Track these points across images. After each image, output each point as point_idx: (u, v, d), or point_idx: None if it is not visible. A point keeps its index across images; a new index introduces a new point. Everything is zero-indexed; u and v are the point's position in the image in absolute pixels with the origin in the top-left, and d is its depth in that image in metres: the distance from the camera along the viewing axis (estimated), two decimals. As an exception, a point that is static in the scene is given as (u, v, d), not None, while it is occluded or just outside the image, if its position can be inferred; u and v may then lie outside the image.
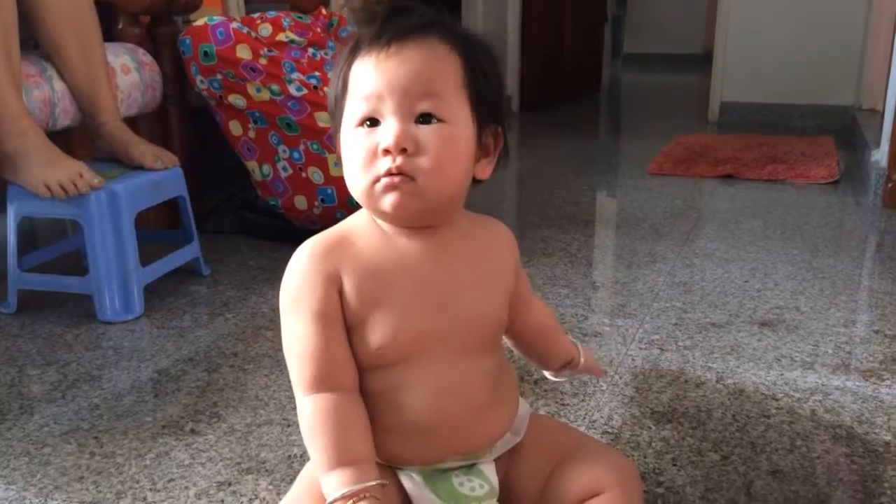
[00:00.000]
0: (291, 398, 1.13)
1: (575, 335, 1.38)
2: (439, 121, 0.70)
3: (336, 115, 0.75)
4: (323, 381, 0.72)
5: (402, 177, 0.69)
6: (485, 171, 0.77)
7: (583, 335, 1.39)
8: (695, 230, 2.02)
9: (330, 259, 0.73)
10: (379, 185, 0.70)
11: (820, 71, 3.54)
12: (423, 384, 0.73)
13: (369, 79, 0.70)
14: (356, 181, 0.72)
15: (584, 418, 1.11)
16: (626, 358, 1.30)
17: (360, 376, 0.74)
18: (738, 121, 3.67)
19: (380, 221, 0.75)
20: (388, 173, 0.69)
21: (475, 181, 0.77)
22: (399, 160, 0.69)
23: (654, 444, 1.04)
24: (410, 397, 0.73)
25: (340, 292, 0.73)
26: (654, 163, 2.82)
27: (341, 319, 0.73)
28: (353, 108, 0.71)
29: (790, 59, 3.58)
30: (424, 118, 0.70)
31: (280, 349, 1.32)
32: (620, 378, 1.23)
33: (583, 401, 1.16)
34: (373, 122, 0.71)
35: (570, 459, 0.77)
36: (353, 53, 0.73)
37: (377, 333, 0.72)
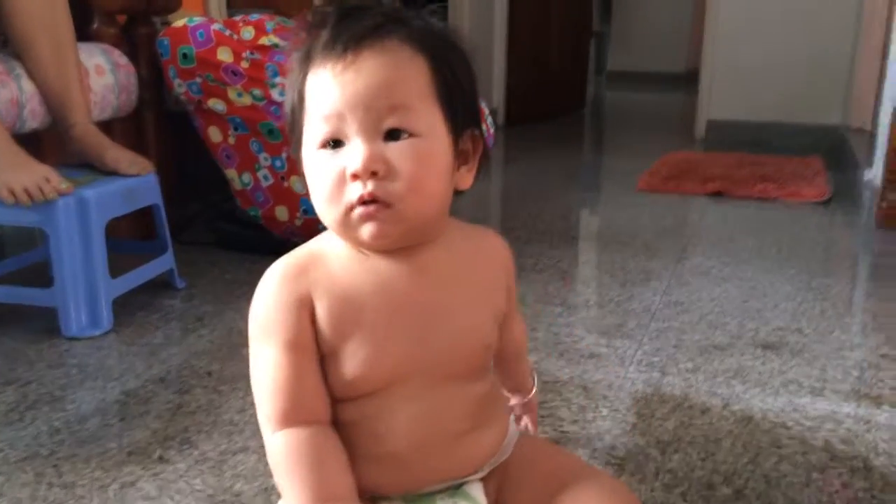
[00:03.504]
0: (270, 422, 1.05)
1: (570, 356, 1.31)
2: (410, 135, 0.63)
3: (294, 131, 0.68)
4: (294, 415, 0.65)
5: (378, 204, 0.62)
6: (466, 180, 0.69)
7: (579, 356, 1.32)
8: (688, 248, 1.96)
9: (301, 281, 0.66)
10: (354, 215, 0.63)
11: (807, 90, 3.52)
12: (402, 413, 0.67)
13: (327, 95, 0.63)
14: (326, 211, 0.65)
15: (586, 447, 1.04)
16: (625, 381, 1.23)
17: (334, 406, 0.67)
18: (724, 139, 3.63)
19: None
20: (361, 201, 0.62)
21: (457, 192, 0.69)
22: (370, 185, 0.62)
23: (661, 476, 0.97)
24: (388, 427, 0.67)
25: (313, 318, 0.65)
26: (643, 179, 2.77)
27: (314, 347, 0.66)
28: (314, 129, 0.64)
29: (777, 78, 3.56)
30: (393, 134, 0.62)
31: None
32: (621, 403, 1.16)
33: (583, 428, 1.09)
34: (336, 142, 0.63)
35: (569, 488, 0.70)
36: (307, 62, 0.65)
37: (350, 365, 0.65)
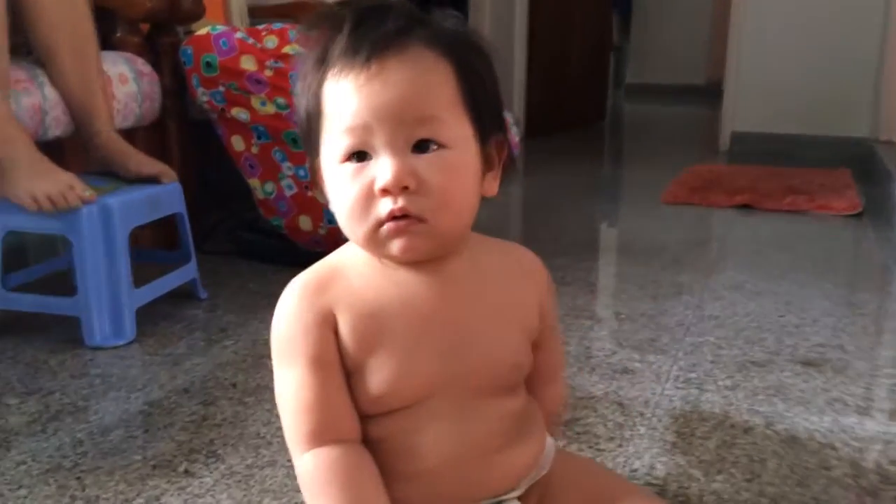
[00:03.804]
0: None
1: (603, 371, 1.28)
2: (439, 146, 0.60)
3: (310, 140, 0.64)
4: (323, 434, 0.62)
5: (409, 219, 0.59)
6: (492, 186, 0.66)
7: (612, 371, 1.28)
8: (719, 261, 1.92)
9: (322, 297, 0.63)
10: (383, 231, 0.60)
11: (834, 102, 3.47)
12: (431, 430, 0.64)
13: (351, 107, 0.59)
14: (353, 227, 0.62)
15: (624, 466, 1.00)
16: (662, 398, 1.19)
17: (362, 424, 0.64)
18: (749, 151, 3.58)
19: None
20: (392, 216, 0.59)
21: (482, 199, 0.66)
22: (401, 201, 0.59)
23: (705, 499, 0.92)
24: (417, 444, 0.64)
25: (336, 334, 0.63)
26: (668, 191, 2.73)
27: (339, 364, 0.63)
28: (336, 141, 0.61)
29: (803, 90, 3.51)
30: (421, 146, 0.59)
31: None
32: (659, 421, 1.12)
33: (620, 446, 1.05)
34: (361, 155, 0.60)
35: None
36: (323, 67, 0.61)
37: (376, 381, 0.62)
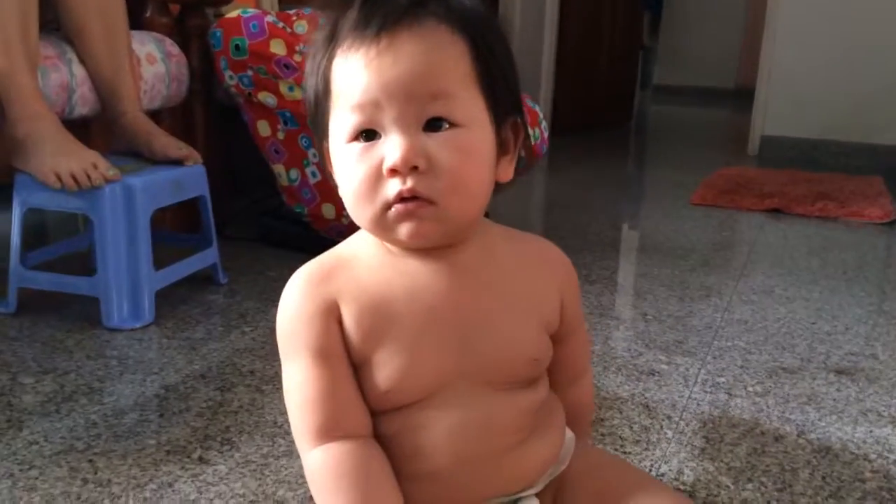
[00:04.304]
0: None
1: (629, 372, 1.24)
2: (451, 125, 0.56)
3: (318, 121, 0.61)
4: (332, 429, 0.59)
5: (418, 201, 0.56)
6: (507, 171, 0.63)
7: (639, 373, 1.24)
8: (749, 265, 1.88)
9: (325, 287, 0.61)
10: (391, 213, 0.57)
11: (867, 108, 3.40)
12: (443, 425, 0.60)
13: (359, 82, 0.56)
14: (360, 209, 0.59)
15: (651, 470, 0.96)
16: (690, 402, 1.15)
17: (371, 419, 0.61)
18: (779, 156, 3.52)
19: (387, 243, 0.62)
20: (400, 198, 0.56)
21: (497, 185, 0.63)
22: (410, 181, 0.56)
23: (735, 507, 0.89)
24: (429, 440, 0.60)
25: (341, 325, 0.60)
26: (697, 193, 2.68)
27: (345, 356, 0.60)
28: (344, 119, 0.58)
29: (835, 95, 3.44)
30: (433, 124, 0.56)
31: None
32: (687, 425, 1.08)
33: (646, 449, 1.01)
34: (369, 134, 0.57)
35: (632, 501, 0.64)
36: (332, 43, 0.58)
37: (383, 374, 0.59)
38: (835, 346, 1.39)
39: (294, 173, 1.78)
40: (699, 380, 1.23)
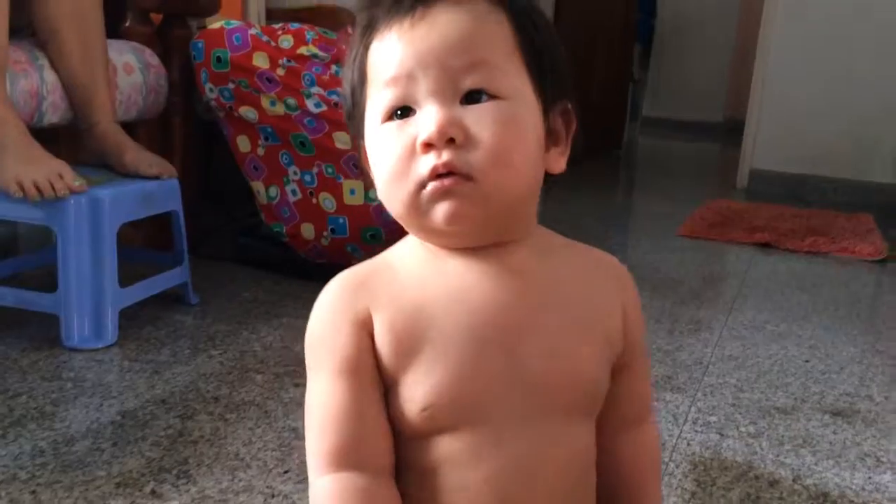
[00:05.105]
0: (279, 459, 0.92)
1: (616, 408, 1.18)
2: (492, 97, 0.51)
3: (355, 116, 0.56)
4: (346, 456, 0.52)
5: (455, 177, 0.50)
6: (559, 162, 0.57)
7: (626, 409, 1.18)
8: (738, 299, 1.83)
9: (359, 295, 0.54)
10: (425, 193, 0.50)
11: (857, 145, 3.39)
12: (485, 462, 0.52)
13: (394, 56, 0.51)
14: (392, 192, 0.52)
15: (638, 516, 0.90)
16: (680, 441, 1.09)
17: (399, 449, 0.53)
18: (767, 190, 3.49)
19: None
20: (435, 174, 0.50)
21: (546, 178, 0.57)
22: (446, 155, 0.50)
23: (729, 560, 0.83)
24: (467, 480, 0.52)
25: (372, 338, 0.52)
26: (685, 225, 2.64)
27: (375, 375, 0.53)
28: (378, 99, 0.52)
29: (826, 131, 3.43)
30: (473, 97, 0.50)
31: (270, 397, 1.12)
32: (677, 467, 1.02)
33: (633, 492, 0.95)
34: (404, 111, 0.51)
35: None
36: (369, 33, 0.54)
37: (421, 390, 0.52)
38: (829, 385, 1.33)
39: (273, 191, 1.72)
40: (689, 418, 1.17)
